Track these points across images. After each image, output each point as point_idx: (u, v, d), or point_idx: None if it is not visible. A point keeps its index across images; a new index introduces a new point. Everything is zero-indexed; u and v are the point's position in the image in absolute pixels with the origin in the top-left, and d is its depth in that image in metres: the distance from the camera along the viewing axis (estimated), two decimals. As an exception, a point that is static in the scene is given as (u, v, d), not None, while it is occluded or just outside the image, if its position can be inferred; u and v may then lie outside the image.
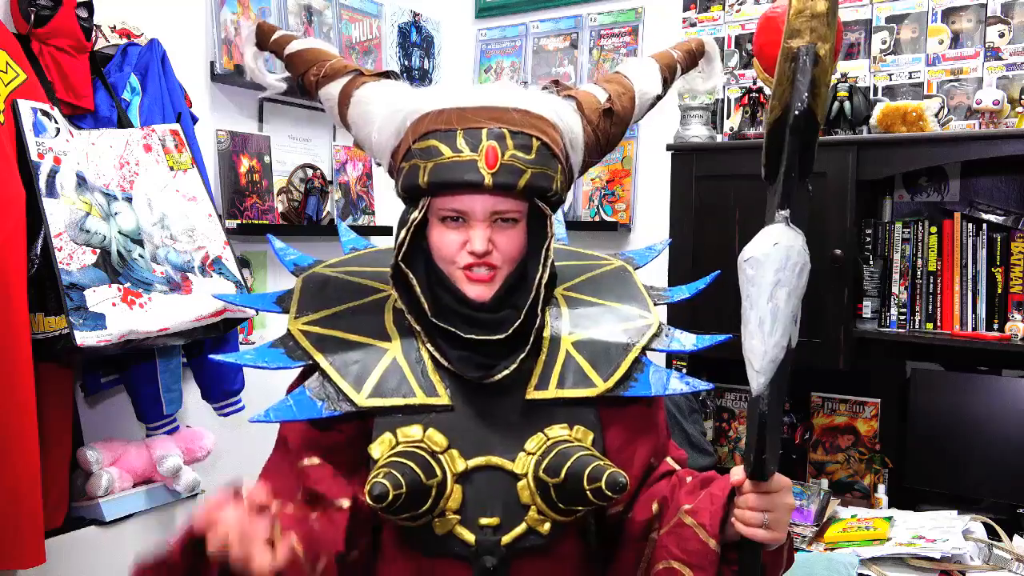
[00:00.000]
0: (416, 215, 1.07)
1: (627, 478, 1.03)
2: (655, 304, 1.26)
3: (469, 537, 1.06)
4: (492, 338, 1.07)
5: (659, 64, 1.30)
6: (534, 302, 1.09)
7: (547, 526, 1.08)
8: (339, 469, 1.12)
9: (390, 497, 0.97)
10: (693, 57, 1.36)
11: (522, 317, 1.07)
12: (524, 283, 1.10)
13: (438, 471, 1.04)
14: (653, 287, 1.31)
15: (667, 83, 1.30)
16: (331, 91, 1.19)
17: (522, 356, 1.09)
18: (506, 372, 1.08)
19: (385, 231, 2.79)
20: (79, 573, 1.77)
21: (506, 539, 1.07)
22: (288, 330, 1.16)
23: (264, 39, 1.27)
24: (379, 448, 1.06)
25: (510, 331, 1.07)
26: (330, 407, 1.08)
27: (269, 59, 1.31)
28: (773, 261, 0.97)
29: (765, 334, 0.97)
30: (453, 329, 1.08)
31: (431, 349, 1.11)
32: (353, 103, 1.17)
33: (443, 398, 1.09)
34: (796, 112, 0.91)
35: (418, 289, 1.09)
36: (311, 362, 1.11)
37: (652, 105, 1.29)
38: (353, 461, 1.11)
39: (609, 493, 1.01)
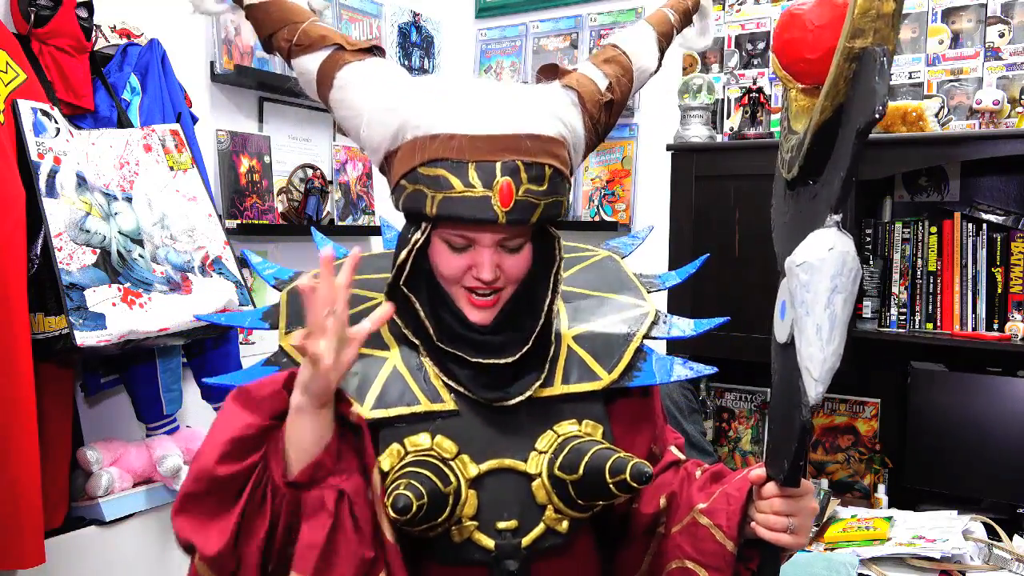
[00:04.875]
0: (420, 237, 1.02)
1: (651, 468, 1.01)
2: (648, 291, 1.24)
3: (488, 543, 1.04)
4: (500, 362, 1.04)
5: (656, 33, 1.26)
6: (545, 327, 1.06)
7: (565, 524, 1.06)
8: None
9: (414, 508, 0.94)
10: (688, 15, 1.32)
11: (530, 344, 1.05)
12: (531, 306, 1.06)
13: (452, 478, 1.01)
14: (643, 274, 1.29)
15: (663, 54, 1.27)
16: (306, 64, 1.12)
17: (538, 384, 1.07)
18: (520, 398, 1.06)
19: (385, 231, 2.78)
20: (79, 573, 1.77)
21: (526, 541, 1.05)
22: (280, 346, 1.12)
23: None
24: (388, 460, 1.03)
25: (517, 356, 1.05)
26: None
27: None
28: (829, 266, 0.93)
29: (823, 341, 0.94)
30: (461, 354, 1.05)
31: (437, 370, 1.08)
32: (336, 86, 1.11)
33: (448, 403, 1.07)
34: (876, 115, 0.85)
35: (422, 314, 1.06)
36: None
37: (646, 82, 1.26)
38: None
39: (635, 484, 1.00)
